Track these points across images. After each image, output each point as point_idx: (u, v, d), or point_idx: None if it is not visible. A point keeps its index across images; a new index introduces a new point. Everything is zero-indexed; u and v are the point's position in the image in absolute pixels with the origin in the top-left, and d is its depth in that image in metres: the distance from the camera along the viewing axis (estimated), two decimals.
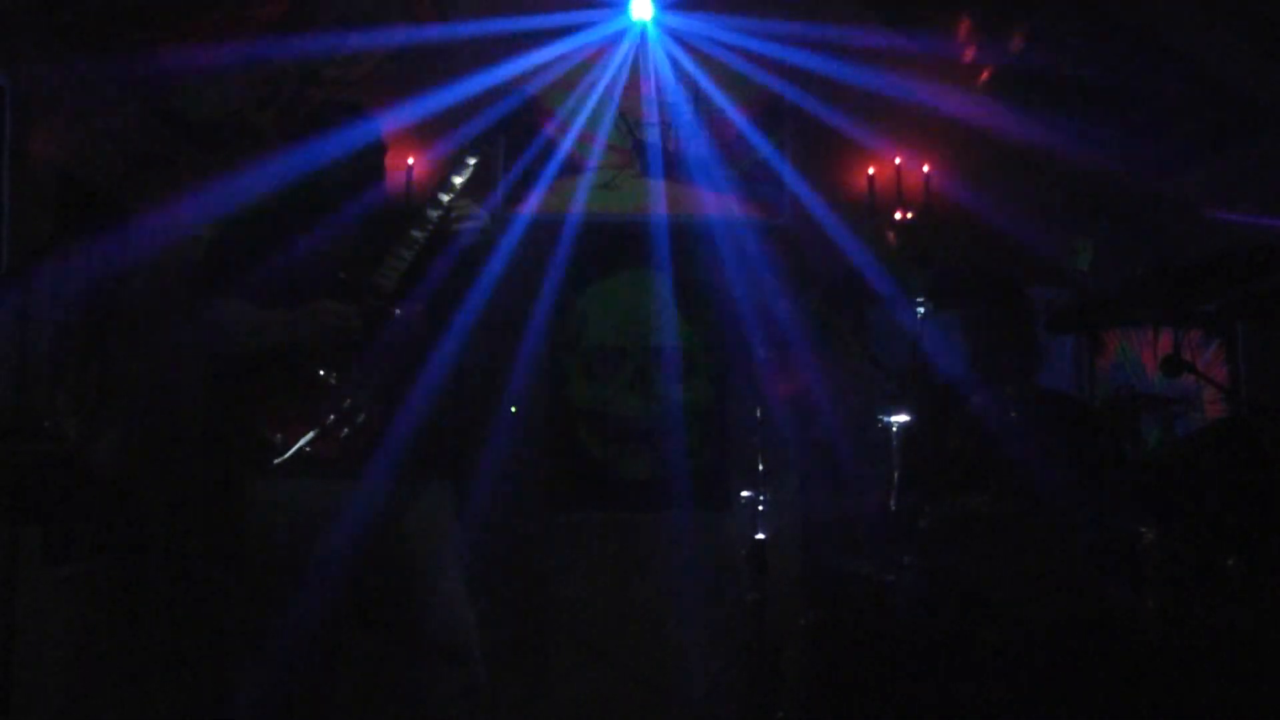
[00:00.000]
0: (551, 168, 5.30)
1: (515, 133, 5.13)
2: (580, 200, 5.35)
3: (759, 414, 4.46)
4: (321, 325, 3.17)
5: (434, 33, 4.98)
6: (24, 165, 3.64)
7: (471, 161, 3.37)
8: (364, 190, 3.35)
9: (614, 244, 5.39)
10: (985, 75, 5.12)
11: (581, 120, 5.32)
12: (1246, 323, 4.85)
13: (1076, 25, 4.42)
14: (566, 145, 5.30)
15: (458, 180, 3.34)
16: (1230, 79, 4.26)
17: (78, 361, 4.04)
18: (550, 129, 5.30)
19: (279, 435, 3.12)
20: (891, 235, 5.20)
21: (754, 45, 5.18)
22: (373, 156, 3.42)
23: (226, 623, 4.30)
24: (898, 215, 5.20)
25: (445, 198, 3.30)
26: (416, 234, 3.27)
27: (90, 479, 3.88)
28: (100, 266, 4.19)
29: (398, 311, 3.24)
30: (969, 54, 5.11)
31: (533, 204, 5.25)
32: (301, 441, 3.11)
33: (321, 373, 3.17)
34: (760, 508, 4.30)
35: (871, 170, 5.26)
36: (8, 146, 3.56)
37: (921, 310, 4.12)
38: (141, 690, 4.34)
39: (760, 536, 4.27)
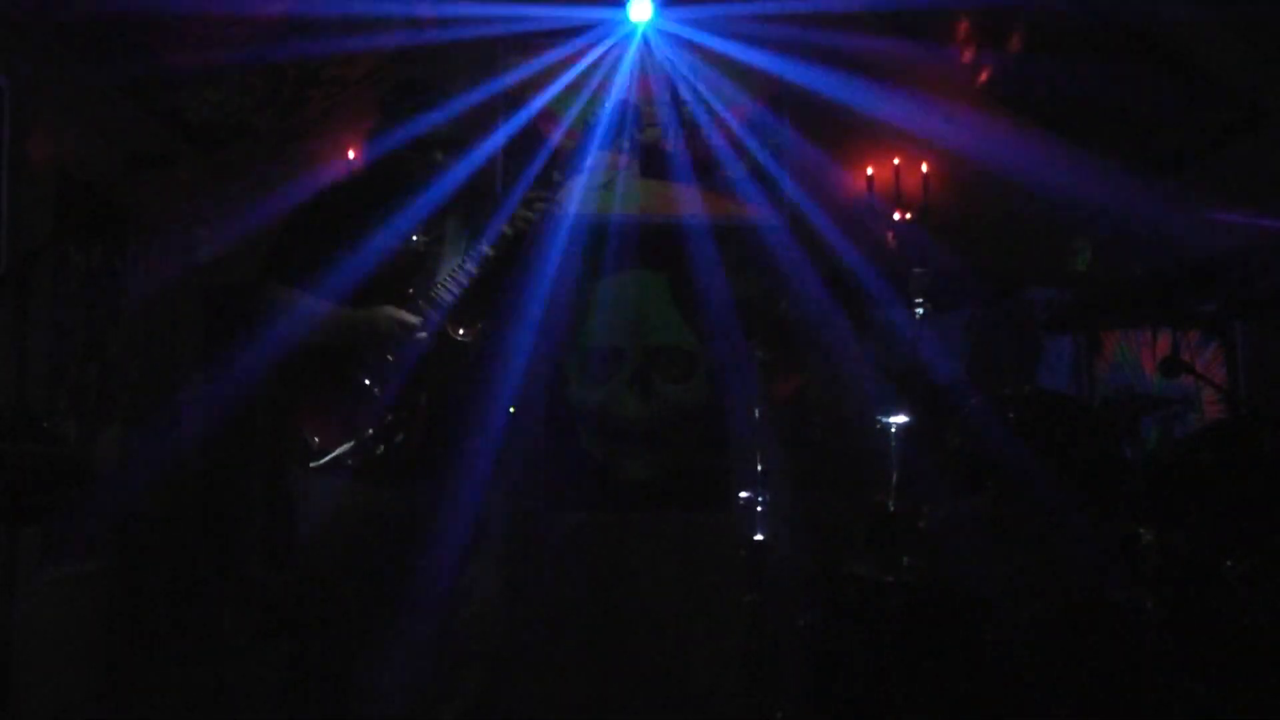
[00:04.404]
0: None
1: (515, 136, 5.14)
2: (579, 201, 5.35)
3: (758, 414, 4.46)
4: (381, 330, 3.12)
5: (433, 34, 4.99)
6: (24, 165, 3.64)
7: (557, 178, 3.34)
8: (441, 191, 3.30)
9: (613, 245, 5.38)
10: (984, 76, 5.12)
11: (580, 122, 5.31)
12: (1245, 323, 4.85)
13: (1075, 26, 4.42)
14: (565, 147, 5.29)
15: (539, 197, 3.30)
16: (1230, 79, 4.26)
17: (78, 361, 4.04)
18: (549, 131, 5.30)
19: (316, 438, 3.10)
20: (890, 236, 5.20)
21: (752, 46, 5.17)
22: (448, 150, 3.36)
23: (229, 621, 4.31)
24: (896, 216, 5.20)
25: (526, 214, 3.26)
26: (487, 250, 3.21)
27: (90, 479, 3.88)
28: (100, 266, 4.19)
29: (460, 333, 3.18)
30: (967, 55, 5.11)
31: None
32: (337, 451, 3.09)
33: (367, 381, 3.14)
34: (759, 508, 4.30)
35: (870, 171, 5.27)
36: (8, 146, 3.56)
37: (921, 310, 4.12)
38: (141, 690, 4.34)
39: (759, 537, 4.27)
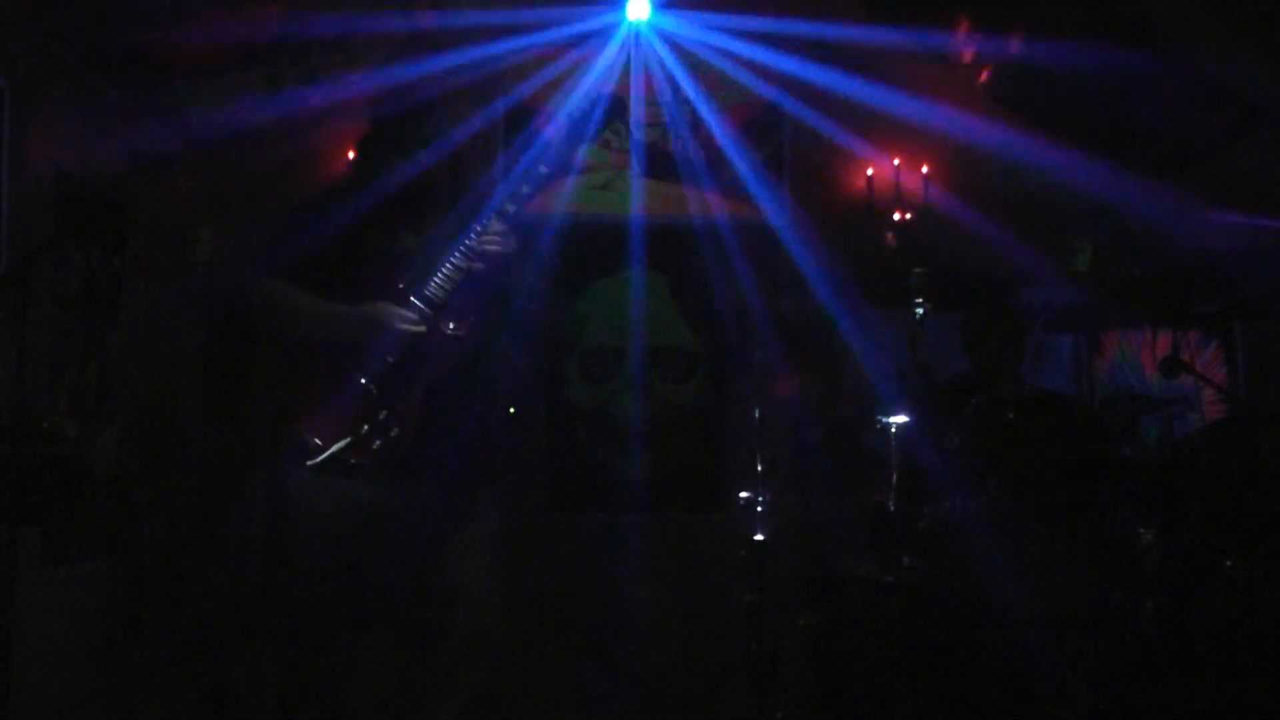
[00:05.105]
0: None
1: (514, 136, 5.15)
2: (578, 201, 5.35)
3: (757, 415, 4.45)
4: (381, 328, 3.14)
5: (431, 33, 4.99)
6: (24, 165, 3.64)
7: (545, 171, 3.34)
8: (433, 190, 3.31)
9: (612, 245, 5.38)
10: (984, 76, 5.12)
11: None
12: (1245, 323, 4.85)
13: (1076, 25, 4.42)
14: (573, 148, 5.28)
15: (527, 191, 3.31)
16: (1230, 79, 4.26)
17: (78, 362, 4.04)
18: (548, 130, 5.29)
19: (313, 437, 3.11)
20: (890, 236, 5.20)
21: (752, 46, 5.17)
22: (440, 155, 3.38)
23: (229, 622, 4.31)
24: (896, 216, 5.20)
25: (512, 208, 3.27)
26: (476, 245, 3.22)
27: (90, 479, 3.88)
28: (100, 266, 4.19)
29: (450, 327, 3.20)
30: (968, 54, 5.11)
31: (531, 205, 5.24)
32: (335, 448, 3.09)
33: (363, 380, 3.15)
34: (759, 509, 4.30)
35: (870, 171, 5.26)
36: (8, 146, 3.56)
37: (921, 310, 4.11)
38: (141, 690, 4.34)
39: (759, 537, 4.27)
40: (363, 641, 3.30)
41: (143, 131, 4.48)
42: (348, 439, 3.11)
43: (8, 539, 3.15)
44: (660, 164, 5.43)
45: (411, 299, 3.19)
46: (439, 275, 3.21)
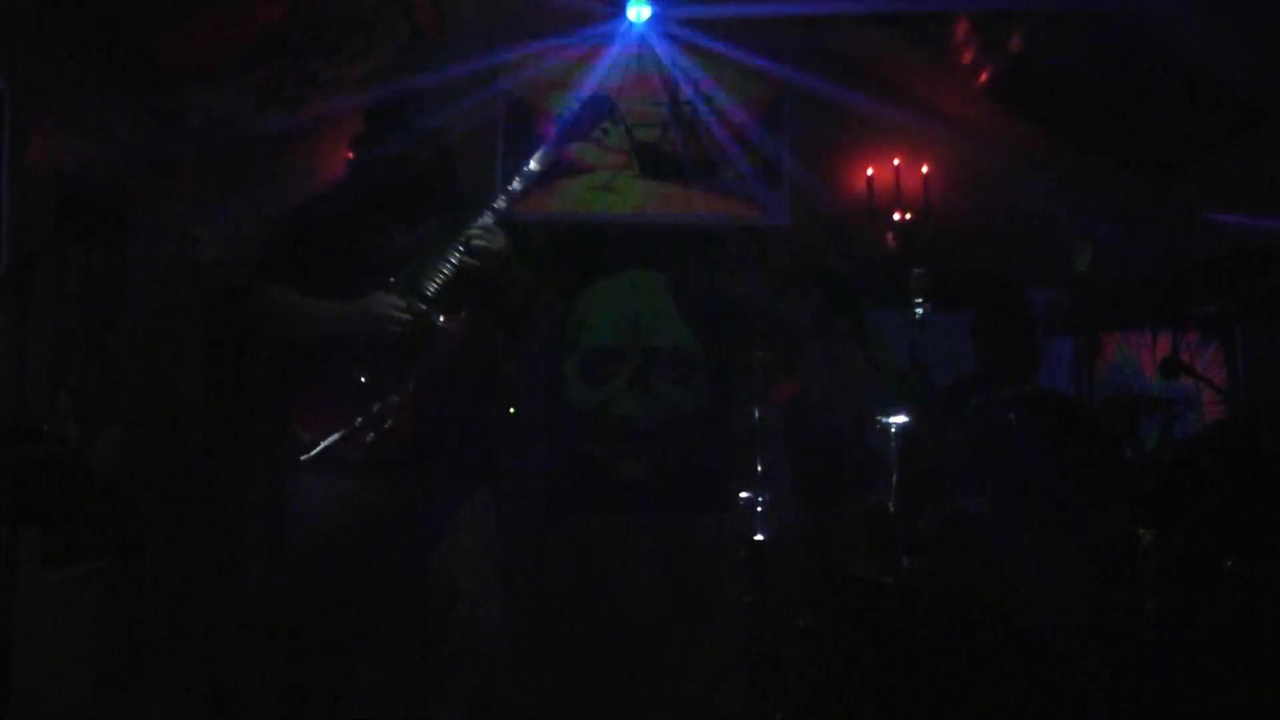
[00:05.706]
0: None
1: (514, 136, 5.16)
2: (579, 201, 5.35)
3: (758, 415, 4.46)
4: (375, 318, 3.15)
5: (431, 33, 4.99)
6: (24, 166, 3.64)
7: (536, 169, 3.35)
8: (425, 187, 3.33)
9: (612, 245, 5.39)
10: (984, 76, 5.12)
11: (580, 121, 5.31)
12: (1245, 324, 4.85)
13: (1076, 25, 4.42)
14: (564, 146, 5.29)
15: (516, 187, 3.32)
16: (1230, 79, 4.26)
17: (78, 363, 4.04)
18: (548, 130, 5.30)
19: (306, 432, 3.12)
20: (890, 236, 5.21)
21: (752, 47, 5.18)
22: (432, 153, 3.40)
23: (228, 622, 4.31)
24: (896, 216, 5.20)
25: (505, 205, 3.29)
26: (467, 241, 3.24)
27: (90, 480, 3.87)
28: (100, 267, 4.19)
29: (441, 320, 3.21)
30: (968, 55, 5.11)
31: (531, 206, 5.25)
32: (327, 441, 3.10)
33: (362, 379, 3.16)
34: (759, 509, 4.30)
35: (870, 171, 5.27)
36: (8, 147, 3.55)
37: (920, 310, 4.12)
38: (141, 690, 4.34)
39: (759, 538, 4.28)
40: (363, 641, 3.30)
41: (143, 131, 4.48)
42: (340, 432, 3.12)
43: (8, 539, 3.15)
44: (660, 164, 5.44)
45: (404, 293, 3.21)
46: (432, 271, 3.23)
